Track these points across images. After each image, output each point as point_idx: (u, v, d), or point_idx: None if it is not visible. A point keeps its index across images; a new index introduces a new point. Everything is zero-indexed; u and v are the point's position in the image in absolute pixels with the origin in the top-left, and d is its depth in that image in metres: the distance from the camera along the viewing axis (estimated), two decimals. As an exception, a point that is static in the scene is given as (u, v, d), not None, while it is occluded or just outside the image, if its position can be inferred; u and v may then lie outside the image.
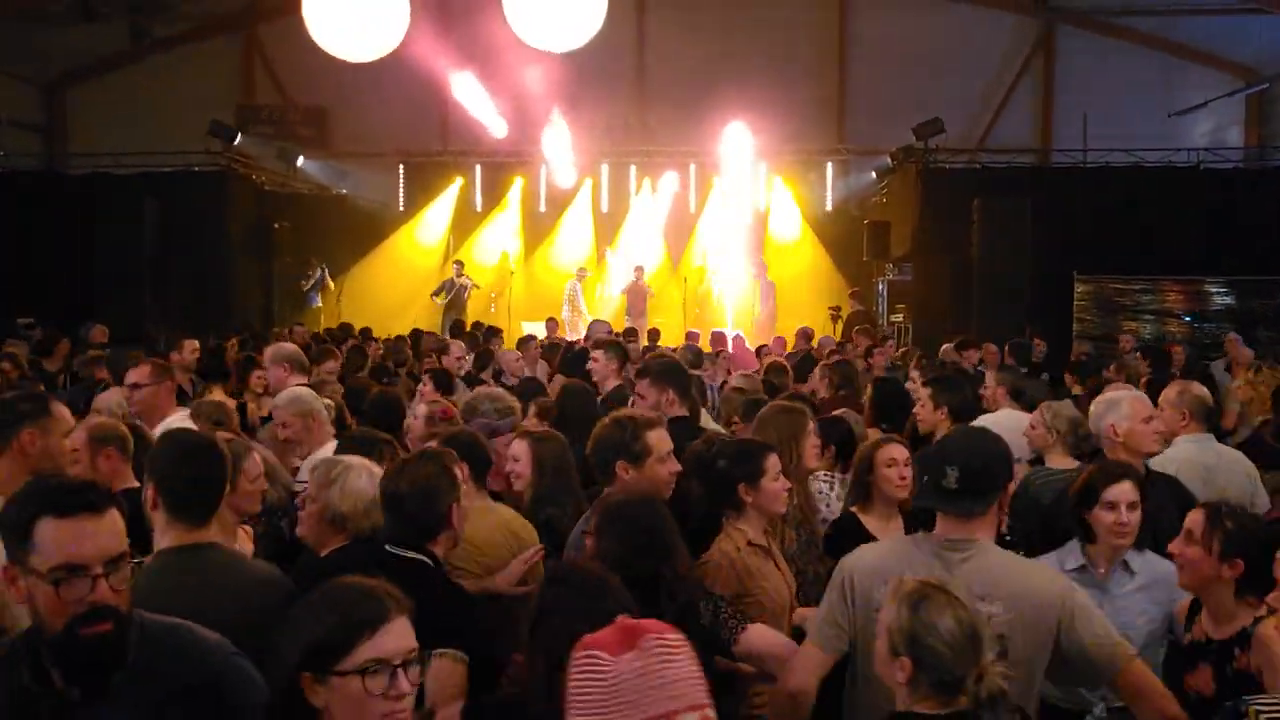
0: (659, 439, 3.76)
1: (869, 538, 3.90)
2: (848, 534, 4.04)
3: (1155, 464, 4.70)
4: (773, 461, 3.68)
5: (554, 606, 2.35)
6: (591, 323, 11.57)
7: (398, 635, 1.99)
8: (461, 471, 3.31)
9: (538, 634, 2.34)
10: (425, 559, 3.07)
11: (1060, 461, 4.99)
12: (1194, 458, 4.76)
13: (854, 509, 4.31)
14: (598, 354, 6.44)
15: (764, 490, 3.63)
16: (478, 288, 18.30)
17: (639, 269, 18.05)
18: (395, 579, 2.12)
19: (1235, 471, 4.90)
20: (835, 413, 5.61)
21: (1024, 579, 2.94)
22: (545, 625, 2.33)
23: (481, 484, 3.96)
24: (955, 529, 2.98)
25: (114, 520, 2.11)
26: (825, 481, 4.80)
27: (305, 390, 5.09)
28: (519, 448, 4.25)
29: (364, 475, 3.43)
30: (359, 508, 3.36)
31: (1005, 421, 5.47)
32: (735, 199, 19.60)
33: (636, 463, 3.69)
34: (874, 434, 5.19)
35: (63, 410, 3.86)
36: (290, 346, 6.44)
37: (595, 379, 6.32)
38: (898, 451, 4.24)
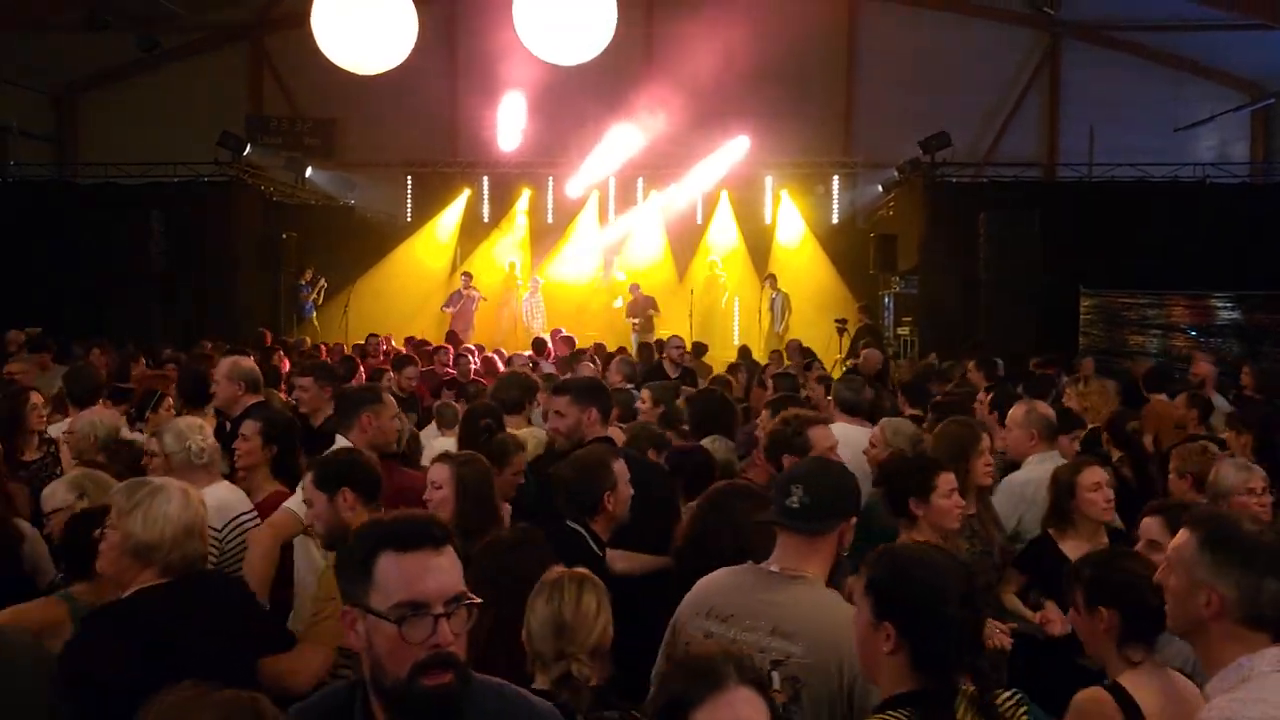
0: (822, 435, 4.28)
1: (1064, 560, 3.94)
2: (1042, 555, 4.20)
3: (1012, 484, 4.81)
4: (945, 479, 3.87)
5: None
6: (670, 337, 11.52)
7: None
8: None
9: None
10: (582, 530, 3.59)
11: None
12: (1045, 477, 4.59)
13: (1050, 531, 4.28)
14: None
15: (934, 506, 3.83)
16: (484, 300, 18.32)
17: (635, 285, 18.08)
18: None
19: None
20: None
21: (832, 626, 2.71)
22: None
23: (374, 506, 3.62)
24: (791, 557, 2.91)
25: (453, 558, 2.01)
26: None
27: (188, 424, 4.42)
28: (439, 472, 3.98)
29: (175, 499, 3.00)
30: (167, 536, 2.92)
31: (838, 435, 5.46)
32: (742, 212, 19.64)
33: (802, 457, 4.03)
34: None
35: (389, 398, 4.86)
36: (247, 363, 5.92)
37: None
38: (1100, 474, 4.27)
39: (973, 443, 4.37)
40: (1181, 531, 2.46)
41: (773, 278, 17.84)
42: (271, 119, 21.37)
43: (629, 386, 8.08)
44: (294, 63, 19.95)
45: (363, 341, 14.61)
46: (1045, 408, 5.19)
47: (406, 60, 11.44)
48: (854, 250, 19.17)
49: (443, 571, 1.97)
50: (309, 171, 19.51)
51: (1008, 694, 2.28)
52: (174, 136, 18.38)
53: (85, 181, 17.53)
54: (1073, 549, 4.09)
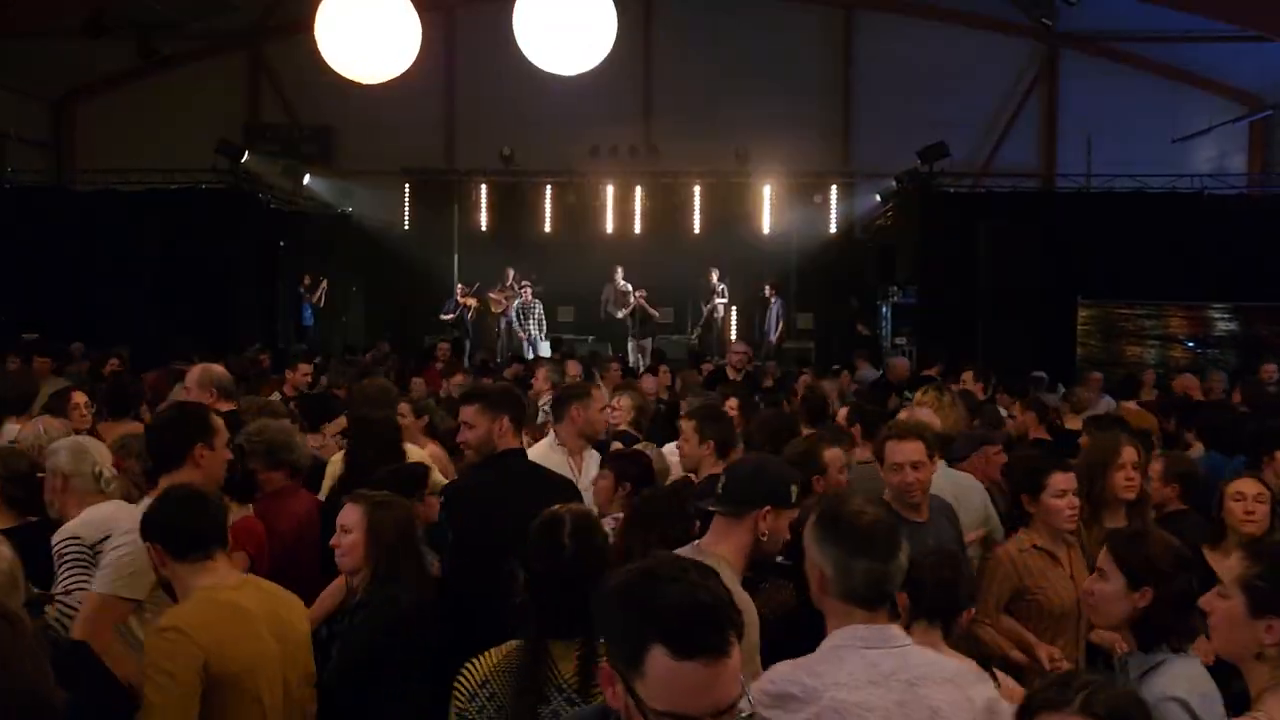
0: (832, 455, 4.50)
1: (1216, 580, 3.90)
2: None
3: None
4: (1056, 479, 3.98)
5: None
6: (733, 343, 11.51)
7: None
8: None
9: None
10: None
11: None
12: (941, 484, 4.52)
13: (1204, 547, 4.14)
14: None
15: (1043, 504, 3.99)
16: (482, 307, 18.31)
17: (640, 291, 18.06)
18: None
19: (975, 491, 4.86)
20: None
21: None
22: None
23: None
24: (710, 536, 3.22)
25: (736, 664, 1.73)
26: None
27: (80, 443, 4.02)
28: (350, 514, 3.53)
29: None
30: None
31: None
32: (740, 222, 19.65)
33: (824, 475, 4.41)
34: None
35: (599, 391, 5.19)
36: (218, 369, 5.73)
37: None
38: (1247, 486, 4.22)
39: (1113, 454, 4.29)
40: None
41: (771, 287, 17.82)
42: (269, 126, 21.36)
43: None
44: (292, 70, 19.95)
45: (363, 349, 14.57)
46: (929, 415, 5.16)
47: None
48: (852, 260, 19.22)
49: (721, 687, 1.70)
50: (307, 179, 19.51)
51: None
52: (172, 144, 18.37)
53: (83, 189, 17.52)
54: (1223, 566, 4.01)
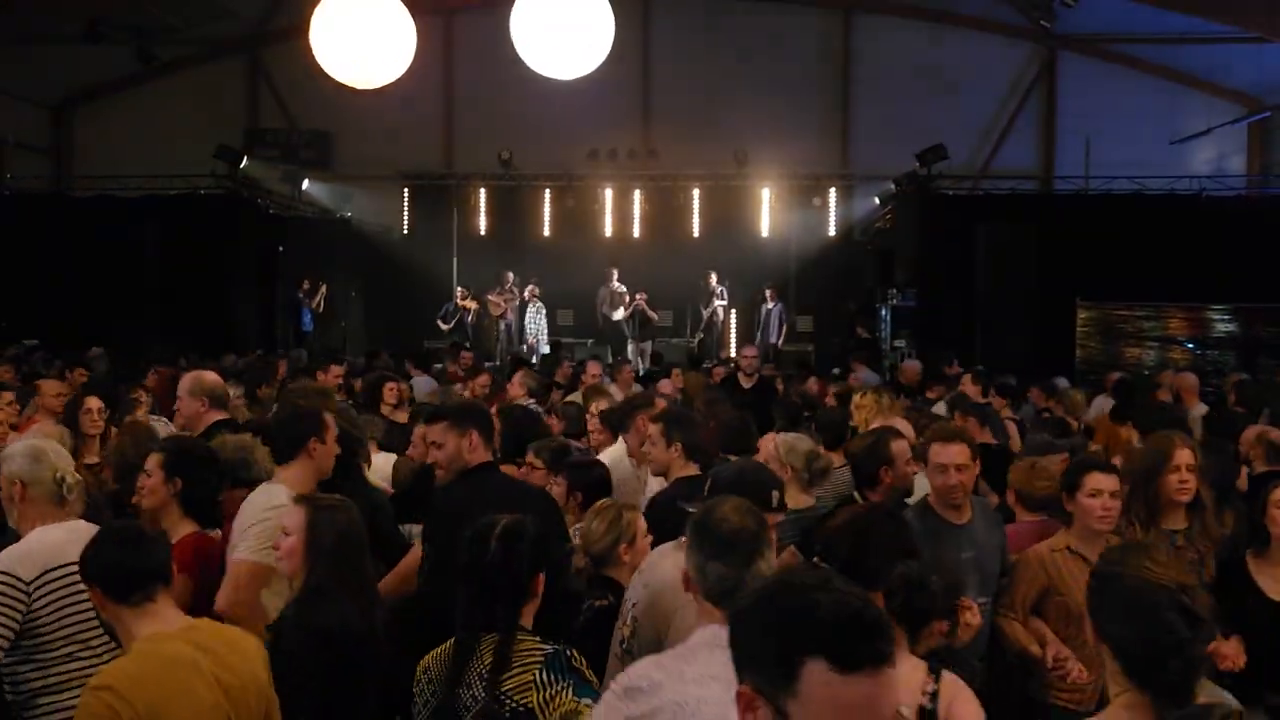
0: (899, 448, 4.45)
1: (1255, 590, 3.90)
2: (1230, 579, 4.02)
3: None
4: (1092, 478, 3.96)
5: None
6: (742, 347, 11.50)
7: None
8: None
9: None
10: None
11: (797, 500, 4.56)
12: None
13: (1248, 554, 4.08)
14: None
15: (1079, 503, 3.98)
16: (481, 311, 18.31)
17: (641, 294, 18.06)
18: None
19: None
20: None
21: (659, 567, 3.24)
22: None
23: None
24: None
25: (896, 674, 1.60)
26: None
27: (37, 447, 3.80)
28: (292, 516, 3.39)
29: None
30: None
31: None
32: (739, 225, 19.67)
33: (892, 466, 4.41)
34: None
35: (663, 401, 5.41)
36: (211, 377, 5.63)
37: None
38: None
39: (1165, 456, 4.21)
40: None
41: (770, 290, 17.82)
42: (268, 132, 21.38)
43: (530, 401, 7.83)
44: (290, 76, 19.97)
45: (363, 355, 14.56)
46: (905, 425, 5.15)
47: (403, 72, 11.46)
48: (851, 263, 19.22)
49: (885, 699, 1.57)
50: (305, 184, 19.53)
51: None
52: (171, 149, 18.39)
53: (82, 194, 17.53)
54: (1268, 577, 3.95)
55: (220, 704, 2.75)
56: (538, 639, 2.83)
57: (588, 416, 6.50)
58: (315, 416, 4.27)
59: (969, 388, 8.61)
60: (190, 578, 3.69)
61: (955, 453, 4.12)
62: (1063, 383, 9.90)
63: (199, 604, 3.60)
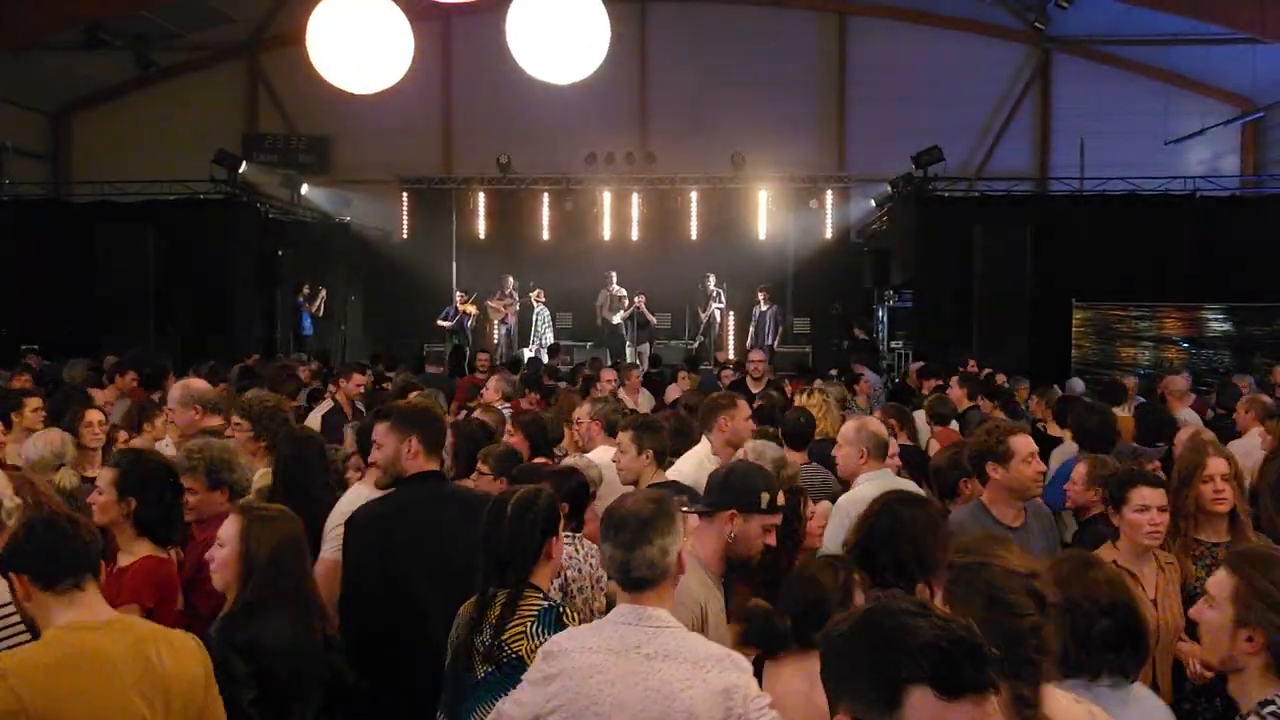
0: (1023, 443, 4.25)
1: None
2: None
3: (842, 504, 4.47)
4: (1139, 493, 3.87)
5: None
6: (751, 350, 11.55)
7: None
8: None
9: None
10: None
11: None
12: (873, 496, 4.47)
13: None
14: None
15: (1125, 519, 3.90)
16: (479, 314, 18.36)
17: (641, 296, 18.11)
18: None
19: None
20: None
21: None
22: None
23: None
24: (691, 539, 3.46)
25: (995, 700, 1.59)
26: (568, 543, 3.95)
27: None
28: (229, 526, 3.25)
29: None
30: None
31: (599, 457, 5.31)
32: (735, 227, 19.74)
33: (1004, 463, 4.19)
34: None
35: (743, 400, 5.42)
36: (199, 384, 5.57)
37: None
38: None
39: (1198, 466, 4.16)
40: None
41: (765, 292, 17.89)
42: (267, 136, 21.46)
43: (505, 406, 7.76)
44: (289, 80, 20.05)
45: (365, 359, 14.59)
46: (876, 425, 4.97)
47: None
48: (848, 265, 19.29)
49: None
50: (304, 188, 19.59)
51: None
52: (170, 155, 18.47)
53: (81, 200, 17.58)
54: None
55: (133, 705, 2.58)
56: (540, 597, 3.11)
57: (576, 421, 6.51)
58: (730, 396, 4.78)
59: (954, 391, 8.64)
60: (141, 606, 3.51)
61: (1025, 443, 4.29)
62: (1078, 386, 9.89)
63: None
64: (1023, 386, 9.86)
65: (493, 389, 8.49)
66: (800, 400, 6.87)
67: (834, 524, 4.35)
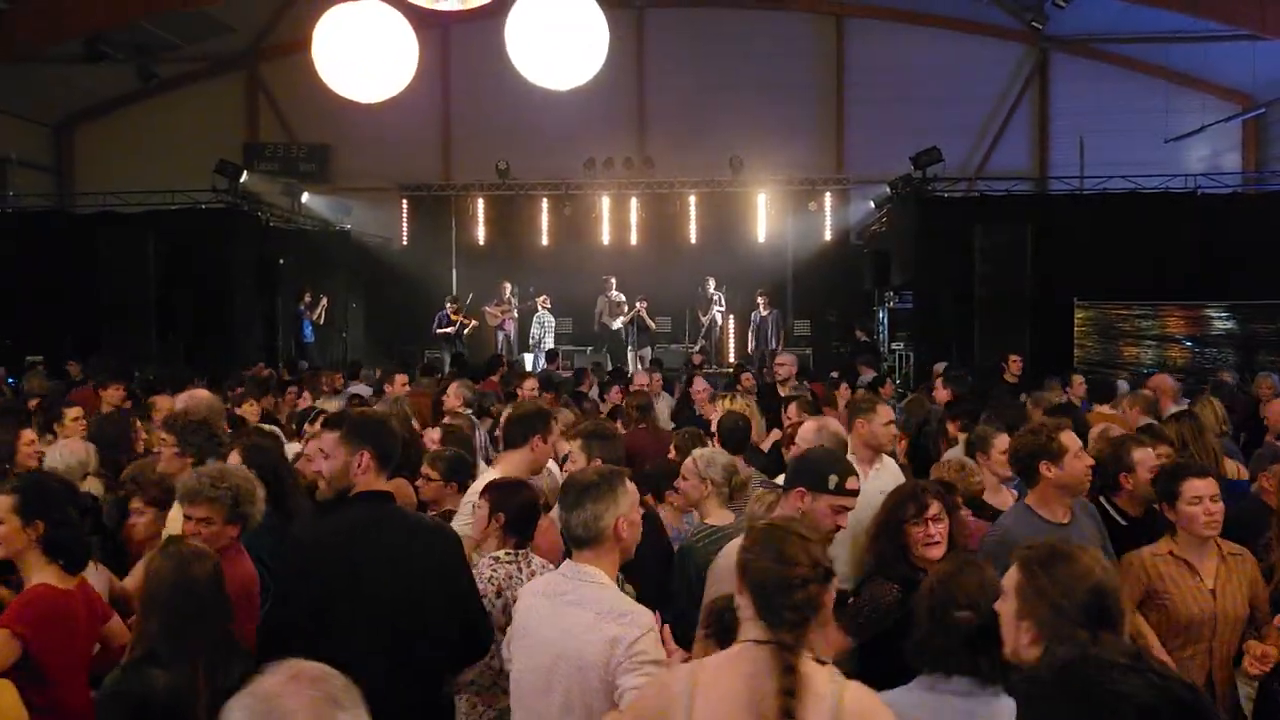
0: (1071, 438, 4.23)
1: None
2: None
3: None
4: (1190, 486, 3.94)
5: None
6: (778, 354, 11.49)
7: None
8: None
9: None
10: None
11: (719, 516, 4.44)
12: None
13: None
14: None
15: (1180, 511, 3.96)
16: (477, 322, 18.36)
17: (642, 301, 18.12)
18: None
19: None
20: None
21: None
22: None
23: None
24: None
25: None
26: (510, 563, 3.79)
27: None
28: (139, 567, 3.17)
29: None
30: None
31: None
32: (735, 229, 19.75)
33: (1057, 461, 4.15)
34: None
35: (884, 405, 5.36)
36: (204, 395, 5.53)
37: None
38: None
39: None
40: None
41: (765, 296, 17.90)
42: (267, 145, 21.52)
43: (468, 411, 7.61)
44: (289, 90, 20.12)
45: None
46: (838, 426, 4.83)
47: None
48: (847, 266, 19.29)
49: None
50: (305, 196, 19.63)
51: None
52: (171, 165, 18.52)
53: (84, 210, 17.62)
54: None
55: None
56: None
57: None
58: (545, 416, 4.70)
59: (940, 392, 8.60)
60: (11, 632, 3.26)
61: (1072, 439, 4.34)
62: (1123, 386, 9.80)
63: (42, 666, 3.27)
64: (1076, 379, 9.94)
65: (453, 395, 8.11)
66: (723, 403, 6.97)
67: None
